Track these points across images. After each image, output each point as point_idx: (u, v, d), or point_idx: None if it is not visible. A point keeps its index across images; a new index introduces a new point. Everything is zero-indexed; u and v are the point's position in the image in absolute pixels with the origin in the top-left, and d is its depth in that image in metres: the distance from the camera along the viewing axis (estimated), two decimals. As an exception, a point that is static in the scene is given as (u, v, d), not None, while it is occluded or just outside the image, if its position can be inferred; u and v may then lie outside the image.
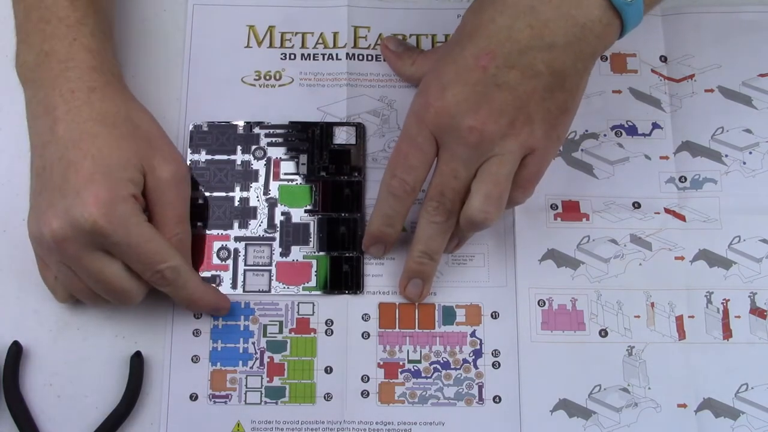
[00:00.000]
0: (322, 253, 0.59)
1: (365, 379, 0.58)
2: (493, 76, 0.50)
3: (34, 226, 0.52)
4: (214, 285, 0.59)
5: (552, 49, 0.49)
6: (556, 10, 0.49)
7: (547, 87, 0.50)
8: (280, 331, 0.58)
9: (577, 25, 0.49)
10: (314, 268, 0.59)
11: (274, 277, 0.59)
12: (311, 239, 0.60)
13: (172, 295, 0.55)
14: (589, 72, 0.52)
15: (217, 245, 0.59)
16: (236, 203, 0.60)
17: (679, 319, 0.59)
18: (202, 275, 0.58)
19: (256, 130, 0.62)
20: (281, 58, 0.64)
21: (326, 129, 0.62)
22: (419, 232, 0.56)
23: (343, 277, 0.59)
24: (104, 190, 0.51)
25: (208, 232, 0.60)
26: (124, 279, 0.53)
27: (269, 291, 0.59)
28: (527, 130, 0.51)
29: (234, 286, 0.59)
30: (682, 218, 0.61)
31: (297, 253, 0.59)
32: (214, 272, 0.59)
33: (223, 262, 0.59)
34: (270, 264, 0.59)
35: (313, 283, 0.59)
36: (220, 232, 0.60)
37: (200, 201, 0.60)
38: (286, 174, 0.61)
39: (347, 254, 0.59)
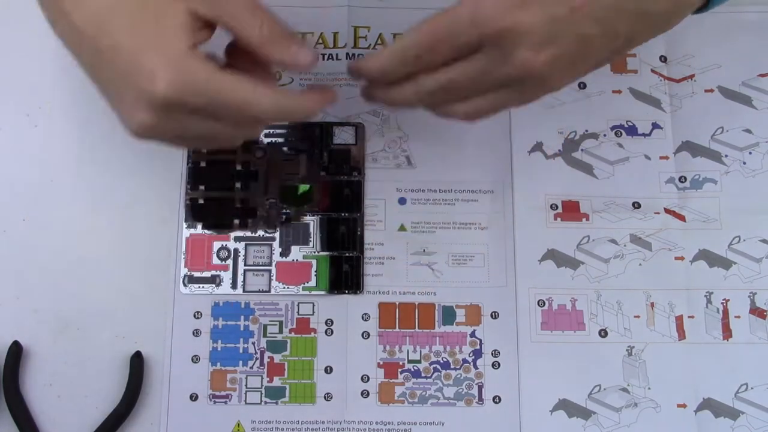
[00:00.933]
0: (322, 253, 0.59)
1: (365, 379, 0.58)
2: (578, 22, 0.45)
3: (129, 127, 0.47)
4: (213, 284, 0.59)
5: (643, 17, 0.47)
6: None
7: (613, 50, 0.48)
8: (280, 331, 0.58)
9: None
10: (314, 268, 0.59)
11: (274, 277, 0.59)
12: (311, 239, 0.60)
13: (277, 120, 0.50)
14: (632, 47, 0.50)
15: (217, 245, 0.59)
16: (236, 203, 0.60)
17: (679, 319, 0.59)
18: (202, 275, 0.58)
19: (256, 130, 0.62)
20: (281, 58, 0.64)
21: (326, 129, 0.62)
22: (404, 89, 0.49)
23: (343, 277, 0.59)
24: (164, 56, 0.45)
25: (208, 232, 0.60)
26: (229, 131, 0.48)
27: (269, 291, 0.59)
28: (563, 82, 0.48)
29: (234, 286, 0.59)
30: (682, 218, 0.61)
31: (297, 253, 0.59)
32: (214, 272, 0.59)
33: (223, 262, 0.59)
34: (270, 264, 0.59)
35: (313, 283, 0.59)
36: (221, 231, 0.60)
37: (200, 201, 0.60)
38: (286, 174, 0.61)
39: (347, 254, 0.59)
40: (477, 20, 0.45)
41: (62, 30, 0.49)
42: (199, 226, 0.60)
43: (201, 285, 0.58)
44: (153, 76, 0.45)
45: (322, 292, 0.59)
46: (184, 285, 0.58)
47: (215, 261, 0.59)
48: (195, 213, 0.59)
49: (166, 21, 0.46)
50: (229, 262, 0.59)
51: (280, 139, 0.62)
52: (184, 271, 0.59)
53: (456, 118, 0.50)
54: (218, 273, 0.59)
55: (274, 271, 0.59)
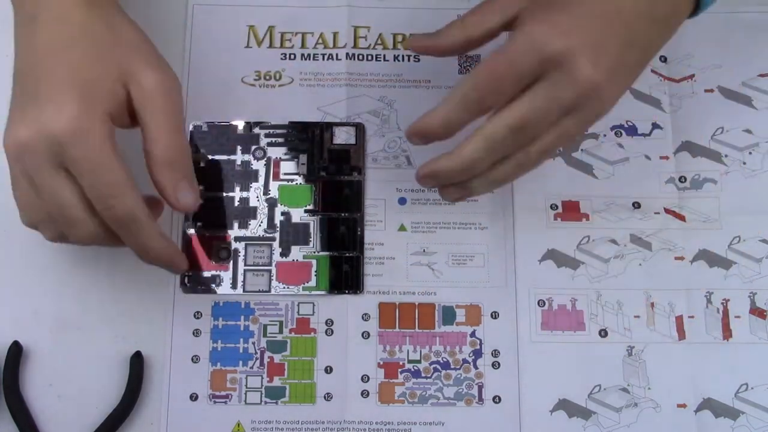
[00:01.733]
0: (322, 253, 0.59)
1: (365, 379, 0.58)
2: (617, 32, 0.48)
3: (6, 137, 0.50)
4: (213, 285, 0.59)
5: (653, 20, 0.50)
6: None
7: (643, 61, 0.51)
8: (280, 331, 0.58)
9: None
10: (314, 268, 0.59)
11: (274, 277, 0.59)
12: (311, 239, 0.60)
13: (125, 241, 0.51)
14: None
15: (217, 245, 0.59)
16: (236, 203, 0.60)
17: (679, 319, 0.59)
18: (202, 275, 0.59)
19: (256, 130, 0.62)
20: (281, 58, 0.64)
21: (326, 129, 0.62)
22: (470, 144, 0.50)
23: (343, 277, 0.59)
24: (76, 102, 0.48)
25: (207, 232, 0.60)
26: (78, 207, 0.49)
27: (269, 291, 0.59)
28: (619, 92, 0.50)
29: (234, 286, 0.59)
30: (682, 218, 0.61)
31: (297, 253, 0.59)
32: (213, 272, 0.59)
33: (223, 262, 0.59)
34: (270, 264, 0.59)
35: (313, 283, 0.59)
36: (220, 232, 0.60)
37: (200, 201, 0.60)
38: (286, 174, 0.61)
39: (347, 254, 0.59)
40: (535, 46, 0.47)
41: (23, 34, 0.51)
42: (199, 226, 0.60)
43: (201, 285, 0.58)
44: (58, 114, 0.47)
45: (322, 292, 0.59)
46: (185, 285, 0.58)
47: (215, 261, 0.59)
48: (195, 213, 0.59)
49: (103, 82, 0.49)
50: (230, 262, 0.59)
51: (280, 139, 0.62)
52: (184, 271, 0.59)
53: (528, 167, 0.52)
54: (218, 273, 0.59)
55: (274, 271, 0.59)
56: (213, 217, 0.60)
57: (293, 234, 0.60)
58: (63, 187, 0.49)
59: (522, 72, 0.48)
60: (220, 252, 0.59)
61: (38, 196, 0.50)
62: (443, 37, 0.55)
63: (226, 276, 0.59)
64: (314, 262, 0.59)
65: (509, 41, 0.49)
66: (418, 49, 0.58)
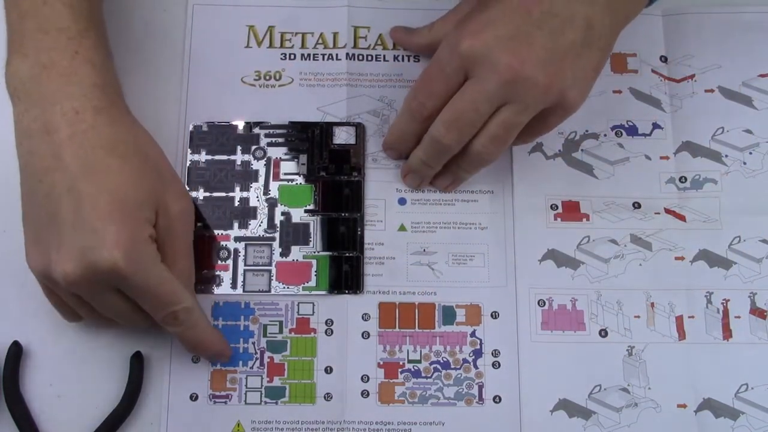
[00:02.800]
0: (322, 253, 0.59)
1: (365, 379, 0.58)
2: (537, 20, 0.51)
3: (40, 264, 0.50)
4: (214, 286, 0.59)
5: (593, 4, 0.51)
6: None
7: (584, 42, 0.51)
8: (280, 331, 0.58)
9: None
10: (314, 268, 0.59)
11: (274, 277, 0.59)
12: (311, 239, 0.60)
13: (179, 336, 0.54)
14: (617, 36, 0.54)
15: (217, 245, 0.59)
16: (236, 203, 0.60)
17: (679, 320, 0.59)
18: (202, 275, 0.58)
19: (256, 130, 0.62)
20: (281, 58, 0.64)
21: (326, 129, 0.62)
22: (422, 146, 0.57)
23: (343, 277, 0.59)
24: (125, 232, 0.48)
25: (207, 232, 0.60)
26: (136, 314, 0.52)
27: (269, 291, 0.59)
28: (559, 86, 0.51)
29: (234, 286, 0.59)
30: (683, 218, 0.61)
31: (297, 253, 0.59)
32: (214, 272, 0.59)
33: (223, 262, 0.59)
34: (270, 264, 0.59)
35: (313, 283, 0.59)
36: (220, 232, 0.60)
37: (200, 201, 0.60)
38: (286, 174, 0.61)
39: (347, 254, 0.59)
40: (452, 48, 0.52)
41: (41, 149, 0.50)
42: (199, 226, 0.59)
43: (201, 285, 0.58)
44: (110, 244, 0.47)
45: (323, 292, 0.59)
46: (184, 285, 0.58)
47: (215, 261, 0.59)
48: (195, 213, 0.59)
49: (143, 207, 0.51)
50: (229, 262, 0.59)
51: (280, 139, 0.62)
52: (184, 270, 0.59)
53: (480, 159, 0.55)
54: (218, 273, 0.59)
55: (274, 271, 0.59)
56: (213, 217, 0.60)
57: (293, 234, 0.60)
58: (120, 304, 0.51)
59: (448, 73, 0.53)
60: (220, 252, 0.59)
61: (84, 309, 0.53)
62: (415, 36, 0.63)
63: (226, 276, 0.59)
64: (314, 262, 0.59)
65: (438, 49, 0.55)
66: (396, 40, 0.64)
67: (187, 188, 0.60)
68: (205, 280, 0.59)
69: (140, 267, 0.49)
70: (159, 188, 0.52)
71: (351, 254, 0.59)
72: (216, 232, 0.60)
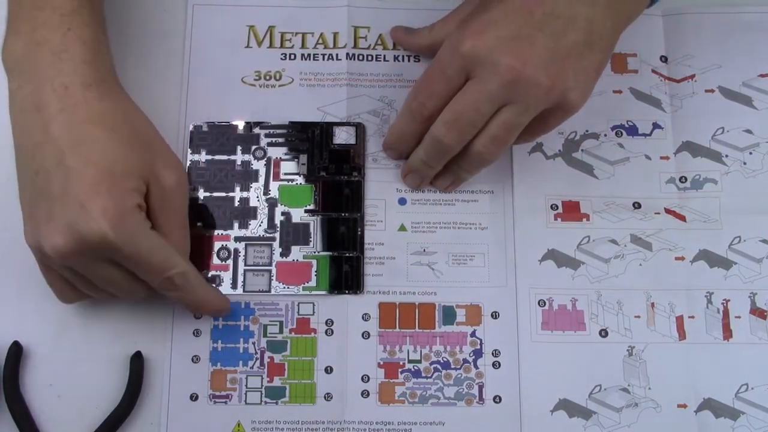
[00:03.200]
0: (322, 253, 0.59)
1: (365, 379, 0.58)
2: (539, 21, 0.51)
3: (32, 238, 0.50)
4: (214, 285, 0.59)
5: (594, 5, 0.51)
6: None
7: (585, 43, 0.51)
8: (281, 331, 0.58)
9: None
10: (314, 268, 0.59)
11: (274, 277, 0.59)
12: (311, 239, 0.60)
13: (179, 300, 0.54)
14: (618, 37, 0.54)
15: (217, 245, 0.59)
16: (236, 203, 0.60)
17: (680, 320, 0.59)
18: (202, 275, 0.58)
19: (256, 130, 0.62)
20: (281, 58, 0.64)
21: (326, 129, 0.62)
22: (422, 146, 0.57)
23: (343, 277, 0.59)
24: (111, 202, 0.48)
25: (207, 232, 0.60)
26: (132, 282, 0.52)
27: (269, 291, 0.59)
28: (561, 87, 0.51)
29: (234, 286, 0.59)
30: (683, 218, 0.61)
31: (297, 253, 0.59)
32: (214, 272, 0.59)
33: (223, 262, 0.59)
34: (270, 264, 0.59)
35: (313, 283, 0.59)
36: (220, 232, 0.60)
37: (200, 201, 0.60)
38: (286, 174, 0.61)
39: (347, 254, 0.59)
40: (454, 48, 0.52)
41: (32, 124, 0.50)
42: (199, 226, 0.59)
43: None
44: (97, 215, 0.48)
45: (323, 292, 0.59)
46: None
47: (215, 261, 0.59)
48: (195, 213, 0.59)
49: (131, 179, 0.51)
50: (229, 262, 0.59)
51: (280, 139, 0.62)
52: (184, 271, 0.59)
53: (481, 159, 0.55)
54: (218, 273, 0.59)
55: (274, 271, 0.59)
56: (213, 218, 0.60)
57: (293, 234, 0.60)
58: (115, 274, 0.51)
59: (449, 74, 0.53)
60: (220, 252, 0.59)
61: (85, 278, 0.52)
62: (416, 36, 0.63)
63: (227, 276, 0.59)
64: (314, 262, 0.59)
65: (439, 50, 0.55)
66: (396, 40, 0.64)
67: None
68: (205, 280, 0.59)
69: (129, 236, 0.49)
70: (149, 159, 0.53)
71: (351, 254, 0.59)
72: (216, 232, 0.60)
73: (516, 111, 0.52)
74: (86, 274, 0.51)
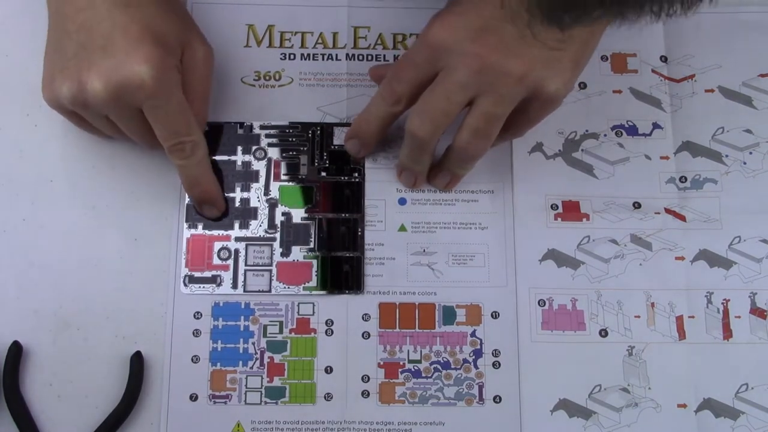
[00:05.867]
0: (322, 254, 0.59)
1: (365, 379, 0.58)
2: (509, 9, 0.50)
3: (66, 87, 0.52)
4: (214, 285, 0.59)
5: None
6: None
7: (557, 37, 0.51)
8: (281, 332, 0.58)
9: None
10: (314, 268, 0.59)
11: (274, 278, 0.59)
12: (311, 239, 0.60)
13: (182, 170, 0.57)
14: (596, 35, 0.54)
15: (217, 245, 0.59)
16: (237, 204, 0.60)
17: (679, 319, 0.59)
18: (202, 275, 0.58)
19: (257, 130, 0.62)
20: (281, 58, 0.64)
21: (326, 129, 0.62)
22: (404, 143, 0.57)
23: (343, 277, 0.59)
24: (155, 53, 0.51)
25: (208, 232, 0.60)
26: (148, 136, 0.55)
27: (270, 291, 0.59)
28: (534, 75, 0.51)
29: (234, 286, 0.59)
30: (683, 218, 0.61)
31: (297, 253, 0.59)
32: (214, 272, 0.59)
33: (224, 262, 0.59)
34: (270, 264, 0.59)
35: (313, 283, 0.59)
36: (221, 232, 0.60)
37: (200, 201, 0.60)
38: (286, 174, 0.61)
39: (348, 254, 0.59)
40: (424, 40, 0.53)
41: None
42: (200, 226, 0.59)
43: (201, 285, 0.58)
44: (141, 61, 0.51)
45: (323, 292, 0.59)
46: (185, 285, 0.58)
47: (216, 261, 0.59)
48: (196, 213, 0.59)
49: (172, 38, 0.54)
50: (230, 262, 0.59)
51: (281, 140, 0.61)
52: (184, 271, 0.59)
53: (467, 154, 0.56)
54: (219, 273, 0.59)
55: (274, 271, 0.59)
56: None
57: (294, 234, 0.60)
58: (137, 125, 0.54)
59: (417, 60, 0.54)
60: (221, 252, 0.59)
61: (101, 123, 0.56)
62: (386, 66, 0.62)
63: (227, 276, 0.59)
64: (315, 262, 0.59)
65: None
66: (374, 78, 0.62)
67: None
68: (205, 280, 0.59)
69: (165, 87, 0.52)
70: (185, 29, 0.56)
71: (351, 254, 0.59)
72: (217, 232, 0.60)
73: (491, 101, 0.52)
74: (115, 118, 0.54)
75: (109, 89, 0.51)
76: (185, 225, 0.60)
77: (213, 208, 0.59)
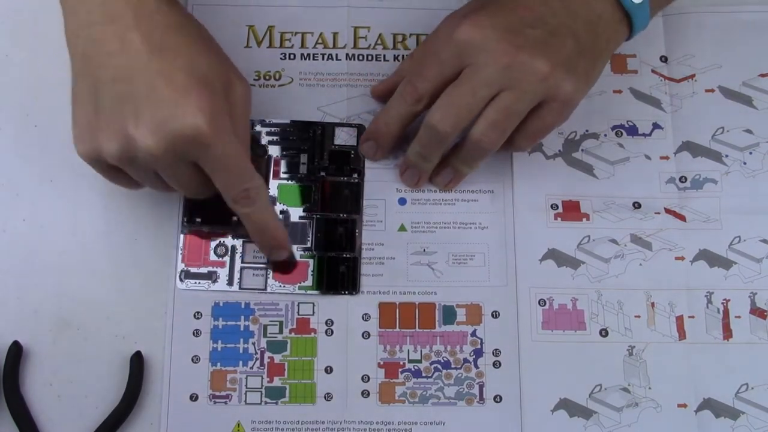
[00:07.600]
0: (318, 253, 0.59)
1: (366, 378, 0.58)
2: (530, 21, 0.53)
3: (111, 142, 0.48)
4: (209, 281, 0.59)
5: (576, 22, 0.53)
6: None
7: (573, 49, 0.53)
8: (281, 332, 0.58)
9: (594, 13, 0.54)
10: (311, 268, 0.59)
11: (270, 276, 0.59)
12: (309, 239, 0.60)
13: (248, 218, 0.53)
14: (603, 60, 0.56)
15: (214, 242, 0.59)
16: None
17: (680, 319, 0.59)
18: (198, 271, 0.58)
19: (257, 128, 0.62)
20: (281, 58, 0.64)
21: (327, 129, 0.62)
22: (418, 137, 0.57)
23: (339, 278, 0.59)
24: (205, 98, 0.48)
25: (206, 228, 0.60)
26: (207, 187, 0.52)
27: (265, 289, 0.59)
28: (556, 75, 0.52)
29: (230, 283, 0.59)
30: (683, 218, 0.61)
31: (294, 252, 0.59)
32: (210, 268, 0.59)
33: (220, 259, 0.59)
34: (267, 262, 0.59)
35: (309, 282, 0.59)
36: (219, 228, 0.60)
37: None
38: (285, 173, 0.61)
39: (345, 255, 0.59)
40: (450, 35, 0.53)
41: (106, 35, 0.49)
42: (198, 222, 0.59)
43: (197, 280, 0.58)
44: (193, 110, 0.47)
45: (318, 292, 0.59)
46: (181, 280, 0.58)
47: (212, 257, 0.59)
48: (194, 209, 0.59)
49: (217, 81, 0.50)
50: (226, 258, 0.59)
51: (281, 138, 0.61)
52: (181, 266, 0.59)
53: (480, 148, 0.55)
54: (215, 269, 0.59)
55: (270, 270, 0.59)
56: (212, 214, 0.60)
57: (291, 233, 0.60)
58: (192, 178, 0.51)
59: (442, 57, 0.54)
60: (217, 248, 0.59)
61: (159, 178, 0.52)
62: (386, 82, 0.62)
63: (223, 273, 0.59)
64: (311, 261, 0.59)
65: (428, 38, 0.57)
66: (378, 97, 0.63)
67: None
68: (201, 275, 0.58)
69: (222, 135, 0.48)
70: (225, 67, 0.52)
71: (348, 255, 0.59)
72: (214, 228, 0.59)
73: (513, 97, 0.53)
74: (166, 176, 0.51)
75: (163, 144, 0.47)
76: (183, 221, 0.59)
77: (283, 250, 0.57)
